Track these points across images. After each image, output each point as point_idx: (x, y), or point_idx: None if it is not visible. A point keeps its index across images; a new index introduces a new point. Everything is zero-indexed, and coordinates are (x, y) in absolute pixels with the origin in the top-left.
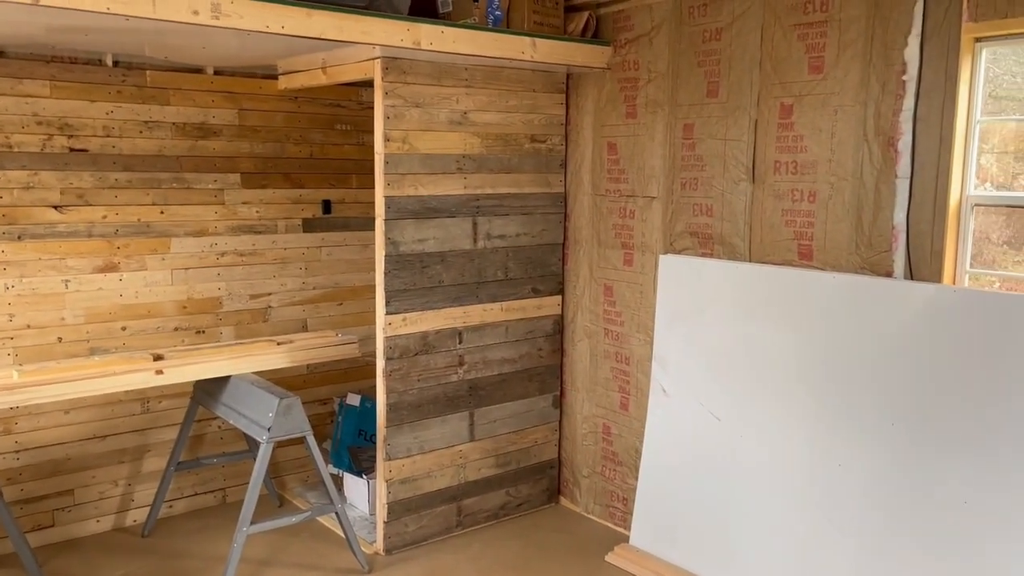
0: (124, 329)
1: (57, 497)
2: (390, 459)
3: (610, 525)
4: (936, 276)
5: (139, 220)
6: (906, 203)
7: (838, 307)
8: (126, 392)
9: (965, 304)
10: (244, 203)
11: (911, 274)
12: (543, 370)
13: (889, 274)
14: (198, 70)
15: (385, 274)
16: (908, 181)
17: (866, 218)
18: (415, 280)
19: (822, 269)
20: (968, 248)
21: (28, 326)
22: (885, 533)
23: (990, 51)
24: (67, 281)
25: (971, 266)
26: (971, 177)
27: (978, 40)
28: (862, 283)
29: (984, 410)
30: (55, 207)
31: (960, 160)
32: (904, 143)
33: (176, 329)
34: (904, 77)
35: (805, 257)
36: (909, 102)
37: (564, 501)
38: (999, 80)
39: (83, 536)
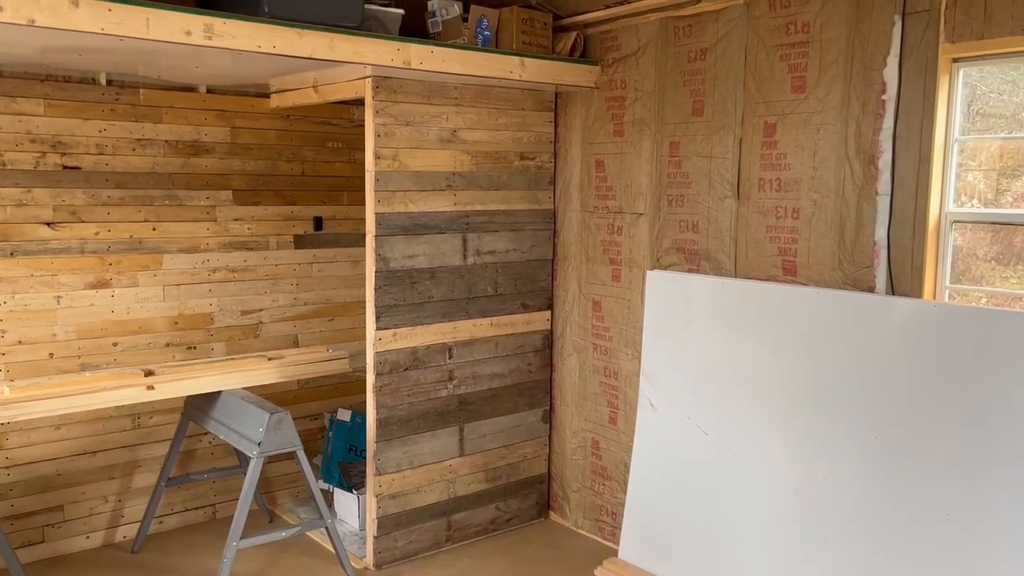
0: (115, 345)
1: (47, 513)
2: (380, 474)
3: (599, 539)
4: (917, 291)
5: (131, 237)
6: (887, 220)
7: (822, 322)
8: (117, 408)
9: (944, 319)
10: (236, 220)
11: (892, 289)
12: (532, 385)
13: (871, 289)
14: (191, 88)
15: (375, 290)
16: (889, 198)
17: (848, 234)
18: (405, 296)
19: (806, 285)
20: (948, 264)
21: (19, 342)
22: (869, 545)
23: (976, 70)
24: (59, 297)
25: (958, 282)
26: (950, 194)
27: (955, 60)
28: (845, 298)
29: (965, 422)
30: (48, 224)
31: (939, 178)
32: (884, 161)
33: (167, 345)
34: (883, 96)
35: (789, 273)
36: (888, 121)
37: (554, 516)
38: (986, 98)
39: (73, 552)
